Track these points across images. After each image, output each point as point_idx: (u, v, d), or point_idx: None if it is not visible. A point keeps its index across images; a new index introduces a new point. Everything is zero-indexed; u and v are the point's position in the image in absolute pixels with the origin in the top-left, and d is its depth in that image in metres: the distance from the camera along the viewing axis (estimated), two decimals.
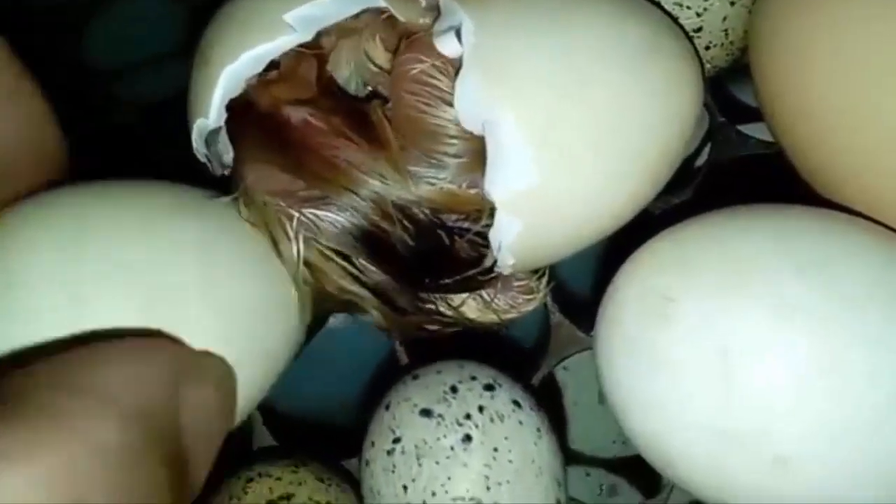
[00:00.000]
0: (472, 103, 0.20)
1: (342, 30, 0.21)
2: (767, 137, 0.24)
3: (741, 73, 0.25)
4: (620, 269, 0.21)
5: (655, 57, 0.21)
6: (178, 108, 0.22)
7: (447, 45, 0.20)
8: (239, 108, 0.21)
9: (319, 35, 0.21)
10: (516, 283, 0.23)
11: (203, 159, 0.22)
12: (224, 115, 0.21)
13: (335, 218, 0.20)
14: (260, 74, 0.21)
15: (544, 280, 0.23)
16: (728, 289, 0.20)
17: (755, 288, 0.20)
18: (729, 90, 0.27)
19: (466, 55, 0.20)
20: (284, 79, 0.21)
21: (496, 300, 0.23)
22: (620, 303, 0.21)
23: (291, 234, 0.20)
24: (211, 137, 0.21)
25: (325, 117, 0.20)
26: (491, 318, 0.23)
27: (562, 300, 0.25)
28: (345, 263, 0.20)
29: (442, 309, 0.22)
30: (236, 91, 0.21)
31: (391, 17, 0.21)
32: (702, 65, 0.22)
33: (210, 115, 0.21)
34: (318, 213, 0.20)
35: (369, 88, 0.22)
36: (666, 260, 0.20)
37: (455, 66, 0.20)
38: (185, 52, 0.22)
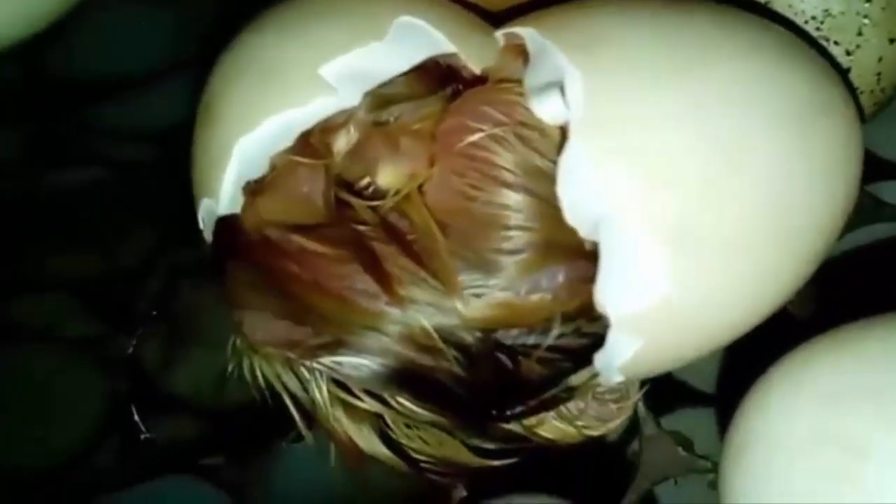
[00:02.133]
0: (584, 189, 0.15)
1: (364, 124, 0.16)
2: None
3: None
4: (761, 391, 0.16)
5: (821, 122, 0.16)
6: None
7: (547, 107, 0.15)
8: (223, 229, 0.16)
9: (331, 131, 0.16)
10: (606, 391, 0.18)
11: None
12: (241, 200, 0.16)
13: (359, 362, 0.16)
14: (249, 185, 0.16)
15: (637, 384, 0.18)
16: None
17: None
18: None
19: (575, 122, 0.15)
20: (272, 191, 0.16)
21: (583, 415, 0.18)
22: (771, 443, 0.15)
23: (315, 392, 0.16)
24: None
25: (328, 241, 0.16)
26: (574, 434, 0.18)
27: (658, 405, 0.20)
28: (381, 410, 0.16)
29: (514, 429, 0.17)
30: (259, 170, 0.16)
31: (448, 76, 0.16)
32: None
33: (221, 195, 0.16)
34: (337, 359, 0.16)
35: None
36: (850, 389, 0.15)
37: (551, 135, 0.15)
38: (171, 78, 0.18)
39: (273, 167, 0.16)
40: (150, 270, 0.22)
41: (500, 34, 0.17)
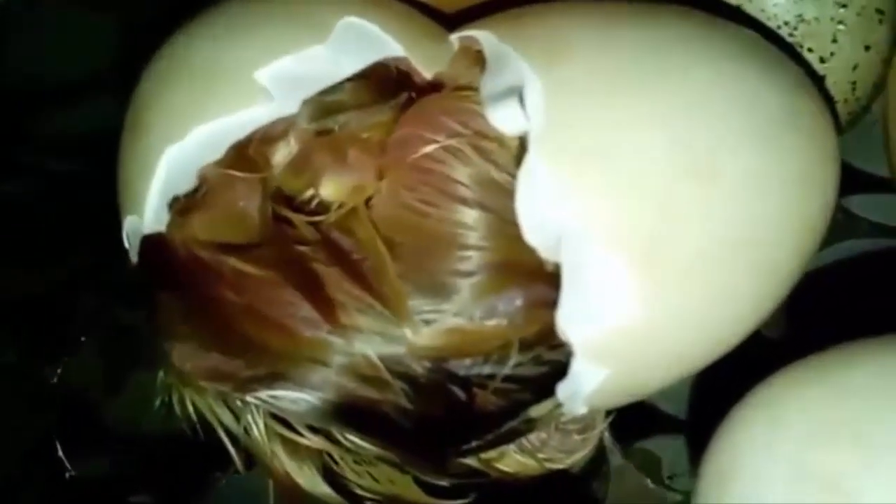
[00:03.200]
0: (545, 205, 0.14)
1: (306, 134, 0.15)
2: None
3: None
4: (737, 422, 0.15)
5: (795, 132, 0.15)
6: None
7: (504, 116, 0.14)
8: (148, 250, 0.15)
9: (269, 141, 0.15)
10: (570, 421, 0.17)
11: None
12: (166, 217, 0.14)
13: (297, 396, 0.14)
14: (176, 200, 0.15)
15: (603, 412, 0.17)
16: None
17: None
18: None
19: (535, 132, 0.14)
20: (204, 207, 0.15)
21: (545, 447, 0.17)
22: (749, 479, 0.14)
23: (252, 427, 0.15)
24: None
25: (264, 263, 0.14)
26: (535, 467, 0.17)
27: (626, 436, 0.19)
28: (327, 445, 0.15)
29: (471, 463, 0.16)
30: (188, 183, 0.14)
31: (399, 82, 0.15)
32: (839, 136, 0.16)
33: (145, 212, 0.14)
34: (273, 393, 0.14)
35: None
36: (830, 423, 0.14)
37: (510, 147, 0.14)
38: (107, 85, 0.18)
39: (203, 181, 0.15)
40: (83, 290, 0.21)
41: (454, 38, 0.16)
